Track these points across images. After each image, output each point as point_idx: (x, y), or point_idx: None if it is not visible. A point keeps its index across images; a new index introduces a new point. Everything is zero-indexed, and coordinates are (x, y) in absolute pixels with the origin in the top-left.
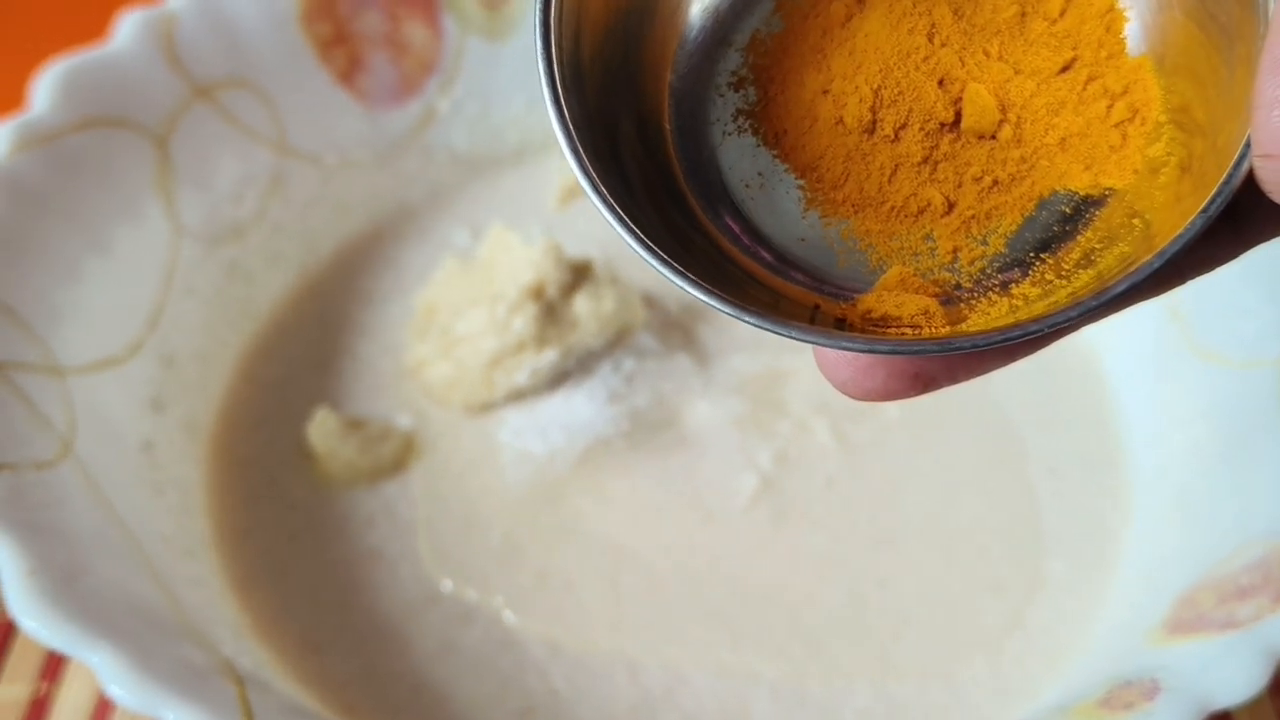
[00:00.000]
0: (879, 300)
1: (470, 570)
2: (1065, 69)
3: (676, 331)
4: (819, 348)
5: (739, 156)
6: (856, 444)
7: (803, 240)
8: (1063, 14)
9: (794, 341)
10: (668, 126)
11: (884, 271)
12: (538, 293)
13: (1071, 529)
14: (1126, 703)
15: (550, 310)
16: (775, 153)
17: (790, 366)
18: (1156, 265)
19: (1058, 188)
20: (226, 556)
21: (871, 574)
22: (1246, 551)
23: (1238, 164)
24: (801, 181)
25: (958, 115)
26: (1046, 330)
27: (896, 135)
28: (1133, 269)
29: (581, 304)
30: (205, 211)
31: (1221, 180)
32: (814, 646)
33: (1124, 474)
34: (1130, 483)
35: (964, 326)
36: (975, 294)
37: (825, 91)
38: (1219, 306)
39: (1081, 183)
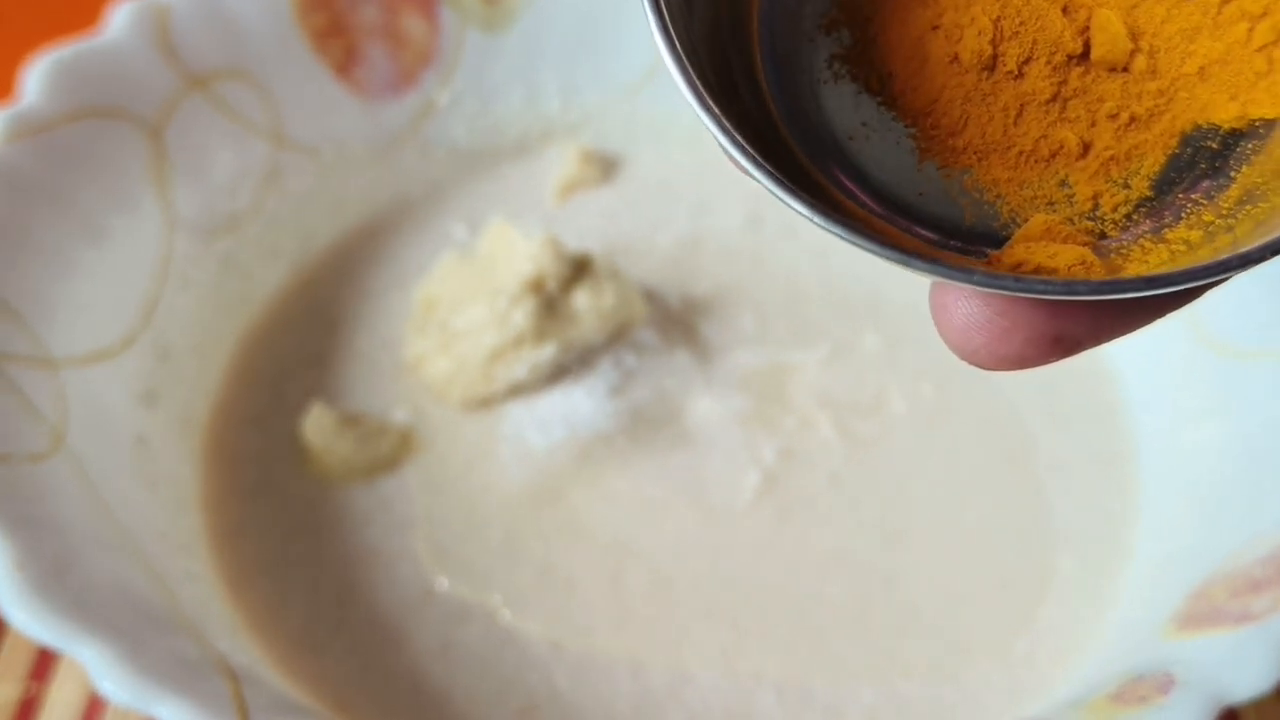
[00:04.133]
0: (1029, 251)
1: (469, 567)
2: None
3: (677, 327)
4: (944, 309)
5: (839, 106)
6: (862, 439)
7: (921, 194)
8: None
9: (963, 286)
10: (762, 80)
11: (1017, 224)
12: (537, 287)
13: (1082, 524)
14: (1140, 696)
15: (550, 305)
16: (880, 99)
17: (794, 361)
18: None
19: (1201, 121)
20: (221, 552)
21: (878, 571)
22: (1259, 544)
23: None
24: (913, 129)
25: (1086, 46)
26: (1239, 268)
27: (1020, 71)
28: None
29: (581, 299)
30: (200, 203)
31: None
32: (819, 644)
33: (1134, 468)
34: (1140, 477)
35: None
36: (1125, 242)
37: (935, 27)
38: (1227, 296)
39: (1228, 114)
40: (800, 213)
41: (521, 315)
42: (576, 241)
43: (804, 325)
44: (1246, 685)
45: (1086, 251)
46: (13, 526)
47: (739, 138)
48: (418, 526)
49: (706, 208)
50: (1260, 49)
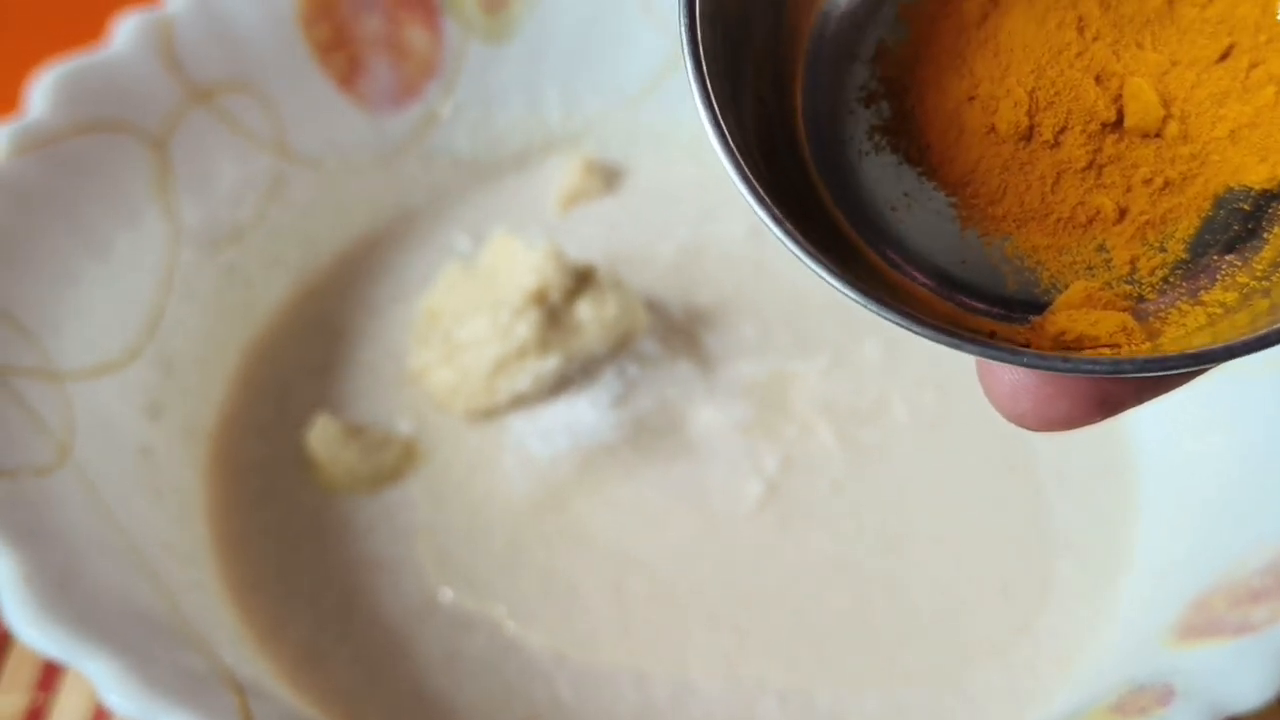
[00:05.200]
0: (1070, 320)
1: (473, 577)
2: (1224, 57)
3: (680, 337)
4: (992, 375)
5: (880, 176)
6: (863, 448)
7: (964, 262)
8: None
9: (1013, 366)
10: (805, 153)
11: (1058, 290)
12: (540, 298)
13: (1082, 532)
14: (1140, 707)
15: (553, 316)
16: (920, 169)
17: (794, 370)
18: None
19: (1233, 184)
20: (226, 563)
21: (879, 578)
22: (1260, 554)
23: None
24: (954, 199)
25: (1119, 114)
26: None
27: (1056, 140)
28: None
29: (584, 309)
30: (204, 215)
31: None
32: (822, 653)
33: (1134, 476)
34: (1141, 486)
35: (1164, 341)
36: (1164, 305)
37: (971, 98)
38: None
39: (1259, 176)
40: (848, 295)
41: (525, 326)
42: (579, 252)
43: (805, 334)
44: (1246, 696)
45: (1127, 318)
46: (19, 540)
47: (791, 228)
48: (421, 536)
49: (708, 217)
50: None
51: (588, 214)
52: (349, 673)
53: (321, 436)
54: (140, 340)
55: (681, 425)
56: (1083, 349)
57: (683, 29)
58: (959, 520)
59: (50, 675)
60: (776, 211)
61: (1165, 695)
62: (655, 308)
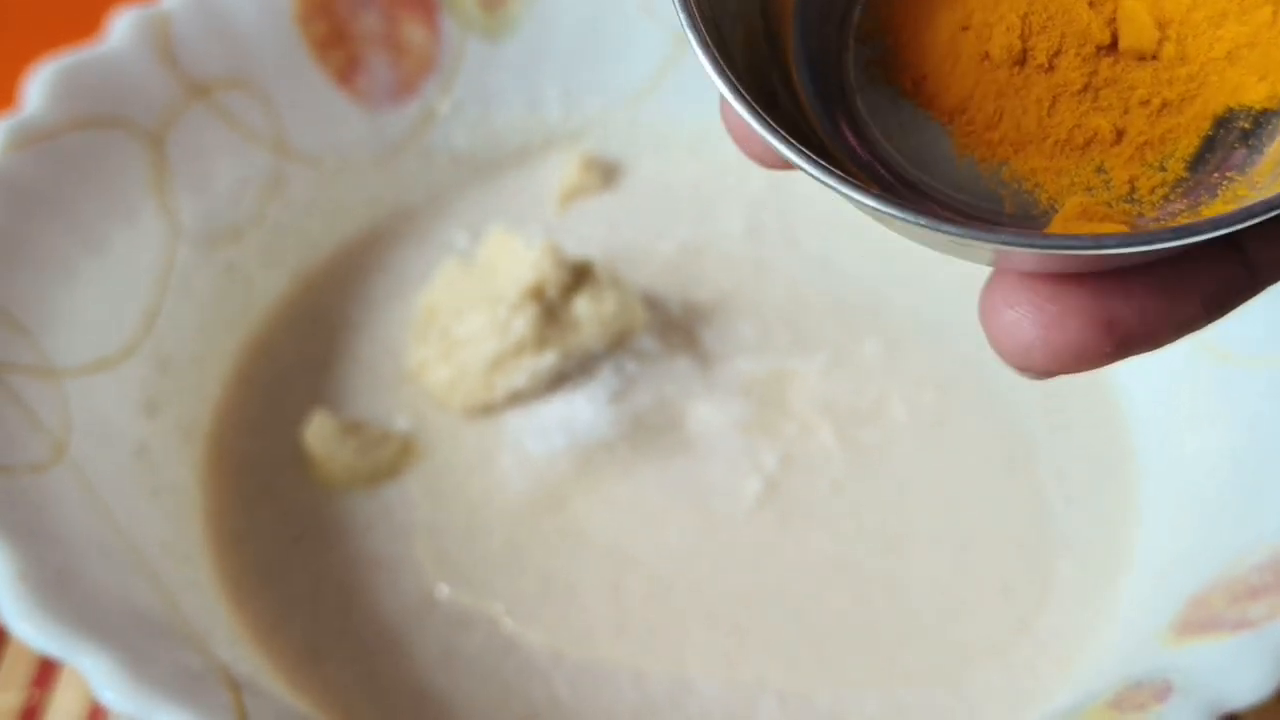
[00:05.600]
0: (1068, 229)
1: (470, 575)
2: None
3: (678, 333)
4: (993, 310)
5: (876, 110)
6: (862, 446)
7: (961, 189)
8: None
9: (993, 246)
10: (800, 92)
11: (1057, 210)
12: (538, 294)
13: (1081, 531)
14: (1138, 704)
15: (551, 312)
16: (916, 101)
17: (793, 368)
18: None
19: (1233, 104)
20: (223, 561)
21: (879, 578)
22: (1259, 551)
23: None
24: (950, 127)
25: (1114, 37)
26: (1264, 214)
27: (1051, 64)
28: None
29: (582, 306)
30: (202, 212)
31: None
32: (821, 652)
33: (1134, 475)
34: (1140, 484)
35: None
36: (1163, 219)
37: (964, 28)
38: None
39: (1258, 95)
40: (828, 183)
41: (522, 323)
42: (577, 249)
43: (804, 332)
44: (1244, 692)
45: (1125, 228)
46: (15, 537)
47: (771, 120)
48: (419, 534)
49: (707, 215)
50: None
51: (586, 211)
52: (346, 670)
53: (318, 433)
54: (137, 337)
55: (680, 423)
56: None
57: None
58: (958, 520)
59: (46, 673)
60: (788, 136)
61: (1163, 691)
62: (654, 305)
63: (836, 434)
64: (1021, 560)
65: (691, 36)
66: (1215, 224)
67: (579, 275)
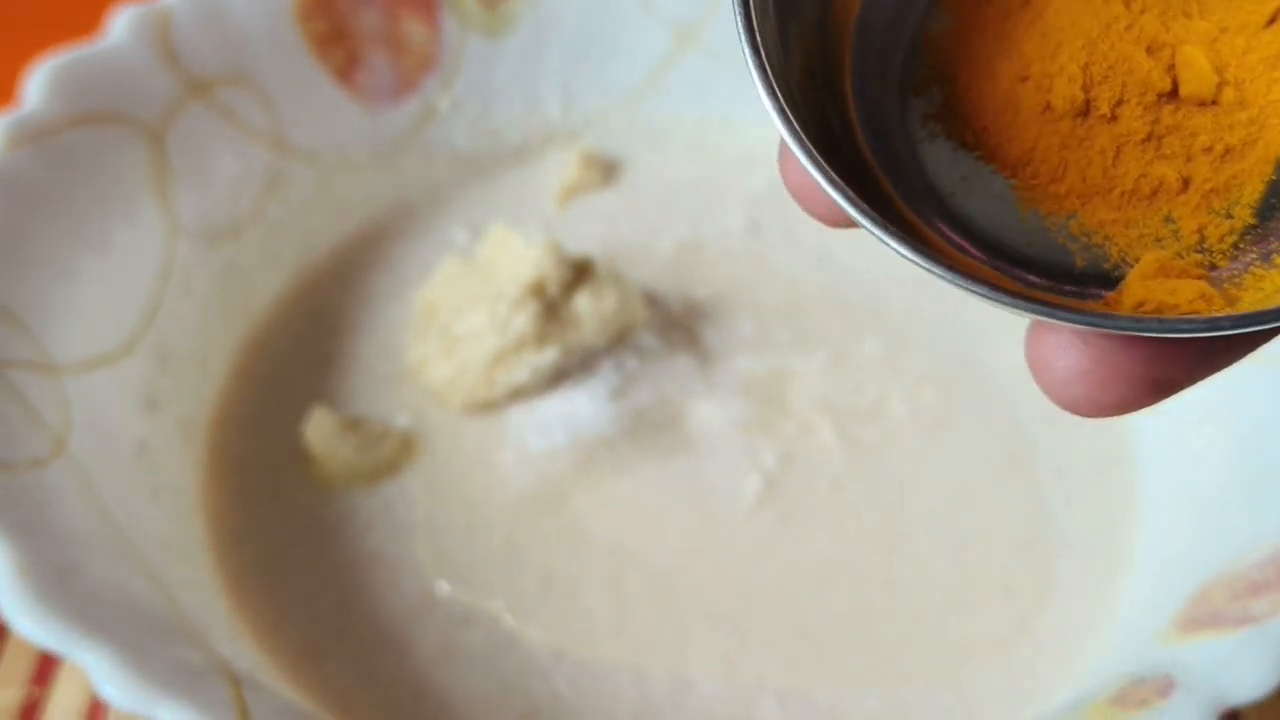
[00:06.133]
0: (1147, 290)
1: (471, 572)
2: (1272, 21)
3: (678, 331)
4: (1044, 362)
5: (938, 163)
6: (862, 445)
7: (1029, 243)
8: None
9: (1099, 331)
10: (860, 139)
11: (1128, 264)
12: (538, 291)
13: (1082, 529)
14: (1140, 700)
15: (551, 309)
16: (978, 154)
17: (793, 366)
18: None
19: None
20: (223, 558)
21: (879, 577)
22: (1259, 548)
23: None
24: (1013, 180)
25: (1174, 83)
26: None
27: (1113, 114)
28: None
29: (583, 302)
30: (201, 209)
31: None
32: (821, 650)
33: (1134, 472)
34: (1141, 481)
35: (1243, 305)
36: (1237, 271)
37: (1024, 79)
38: None
39: None
40: (922, 265)
41: (523, 319)
42: (577, 245)
43: (804, 330)
44: (1247, 688)
45: (1204, 285)
46: (15, 533)
47: (838, 180)
48: (419, 531)
49: (707, 212)
50: None
51: (586, 208)
52: (346, 667)
53: (319, 430)
54: (137, 333)
55: (680, 420)
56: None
57: (738, 17)
58: (959, 518)
59: (46, 669)
60: (858, 200)
61: (1165, 687)
62: (654, 301)
63: (836, 432)
64: (1022, 559)
65: (763, 94)
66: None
67: (580, 272)
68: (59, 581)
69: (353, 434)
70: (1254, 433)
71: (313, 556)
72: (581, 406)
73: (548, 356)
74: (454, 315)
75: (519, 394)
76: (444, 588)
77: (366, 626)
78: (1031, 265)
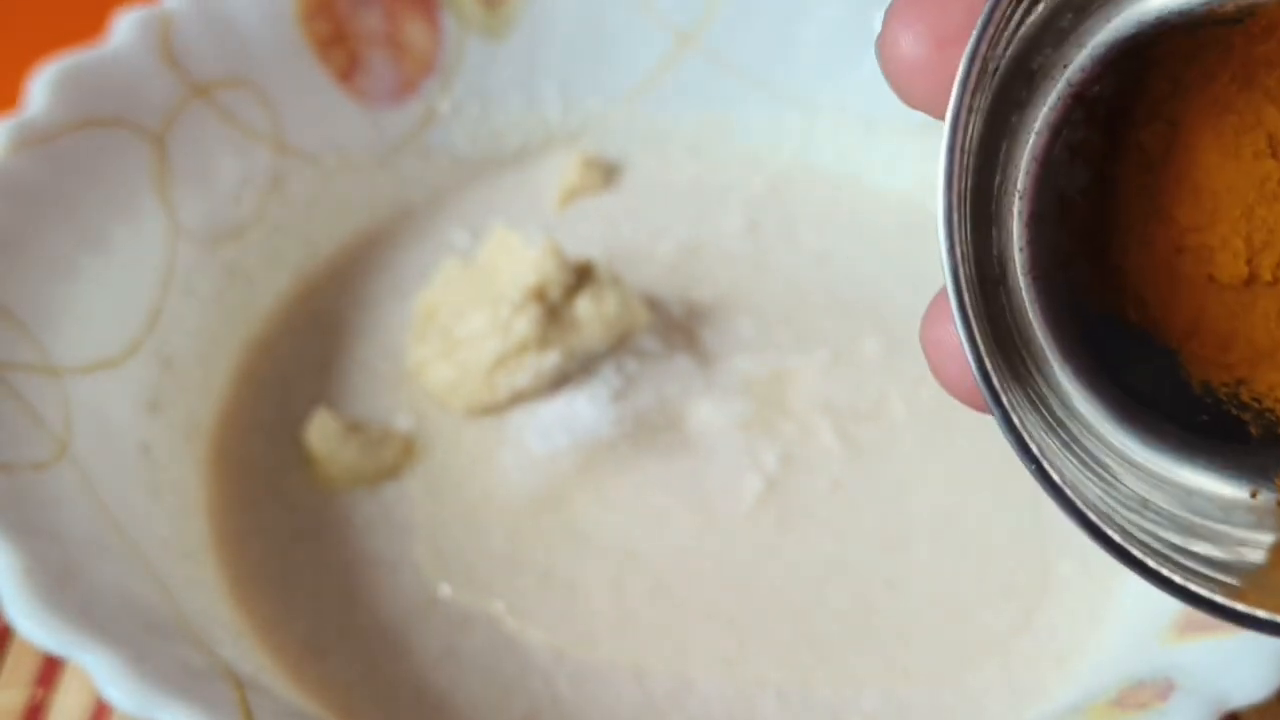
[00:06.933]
0: None
1: (471, 574)
2: None
3: (679, 333)
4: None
5: (1100, 338)
6: (862, 446)
7: (1205, 418)
8: None
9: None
10: (1033, 322)
11: None
12: (540, 294)
13: (1081, 531)
14: (1140, 702)
15: (552, 312)
16: (1140, 324)
17: (794, 367)
18: None
19: None
20: (225, 559)
21: (879, 577)
22: None
23: None
24: (1180, 352)
25: None
26: None
27: (1275, 278)
28: None
29: (584, 305)
30: (204, 212)
31: None
32: (821, 650)
33: None
34: None
35: None
36: None
37: (1180, 250)
38: None
39: None
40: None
41: (524, 322)
42: (577, 248)
43: (804, 331)
44: (1247, 690)
45: None
46: (18, 535)
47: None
48: (420, 533)
49: (707, 214)
50: None
51: (586, 210)
52: (348, 668)
53: (320, 433)
54: (139, 336)
55: (680, 422)
56: None
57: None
58: (958, 518)
59: (50, 671)
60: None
61: (1165, 689)
62: (654, 304)
63: (836, 433)
64: (1022, 558)
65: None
66: None
67: (581, 275)
68: (62, 584)
69: (354, 436)
70: None
71: (315, 558)
72: (582, 409)
73: (549, 359)
74: (455, 318)
75: (520, 397)
76: (445, 589)
77: (368, 627)
78: (1206, 434)
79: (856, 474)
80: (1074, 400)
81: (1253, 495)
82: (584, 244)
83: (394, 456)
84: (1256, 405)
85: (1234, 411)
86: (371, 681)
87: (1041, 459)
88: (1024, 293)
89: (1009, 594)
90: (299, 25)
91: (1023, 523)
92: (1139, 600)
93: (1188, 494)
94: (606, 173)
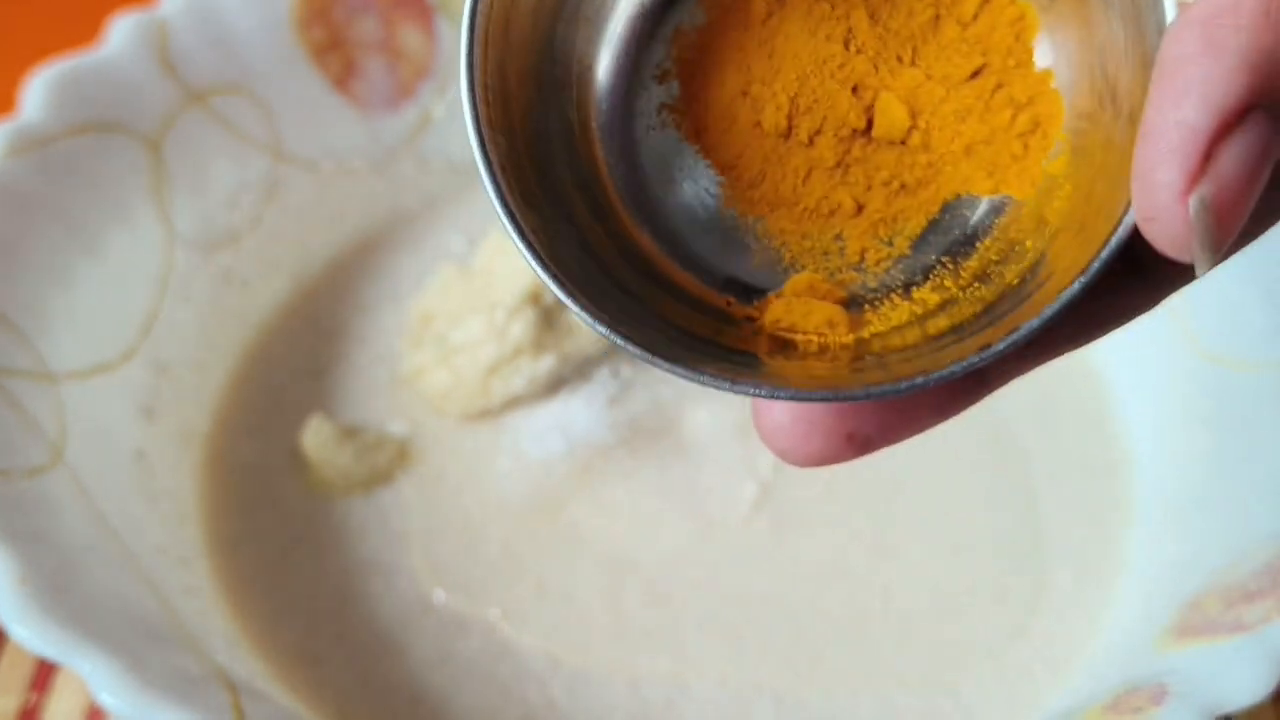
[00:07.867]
0: (787, 309)
1: (467, 580)
2: (975, 75)
3: None
4: (759, 414)
5: (663, 150)
6: None
7: (720, 235)
8: (975, 18)
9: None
10: (594, 124)
11: (796, 269)
12: (535, 299)
13: (1075, 535)
14: (1134, 707)
15: (547, 317)
16: (697, 148)
17: None
18: (1036, 326)
19: (961, 192)
20: (220, 565)
21: (873, 583)
22: (1253, 556)
23: (1121, 222)
24: (722, 179)
25: (869, 121)
26: (932, 384)
27: (811, 140)
28: (1015, 330)
29: None
30: (199, 217)
31: (1104, 241)
32: (816, 656)
33: (1127, 479)
34: (1133, 487)
35: (865, 334)
36: (879, 294)
37: (744, 94)
38: (1221, 307)
39: (984, 188)
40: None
41: (519, 327)
42: None
43: None
44: (1240, 695)
45: (836, 310)
46: (13, 541)
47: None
48: (415, 538)
49: None
50: (1019, 135)
51: None
52: (343, 674)
53: (315, 438)
54: (134, 342)
55: (675, 427)
56: (794, 335)
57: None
58: (952, 524)
59: (44, 676)
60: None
61: (1159, 694)
62: None
63: None
64: (1015, 564)
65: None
66: (869, 393)
67: None
68: (57, 589)
69: (349, 442)
70: (1247, 441)
71: (309, 563)
72: (577, 414)
73: (544, 365)
74: (450, 324)
75: (515, 402)
76: (440, 595)
77: (363, 633)
78: (715, 253)
79: (850, 480)
80: (609, 193)
81: (727, 304)
82: None
83: (389, 462)
84: (765, 241)
85: (746, 239)
86: (366, 687)
87: (525, 229)
88: (600, 101)
89: (1003, 600)
90: (295, 32)
91: (1016, 528)
92: (1133, 606)
93: (672, 287)
94: None
